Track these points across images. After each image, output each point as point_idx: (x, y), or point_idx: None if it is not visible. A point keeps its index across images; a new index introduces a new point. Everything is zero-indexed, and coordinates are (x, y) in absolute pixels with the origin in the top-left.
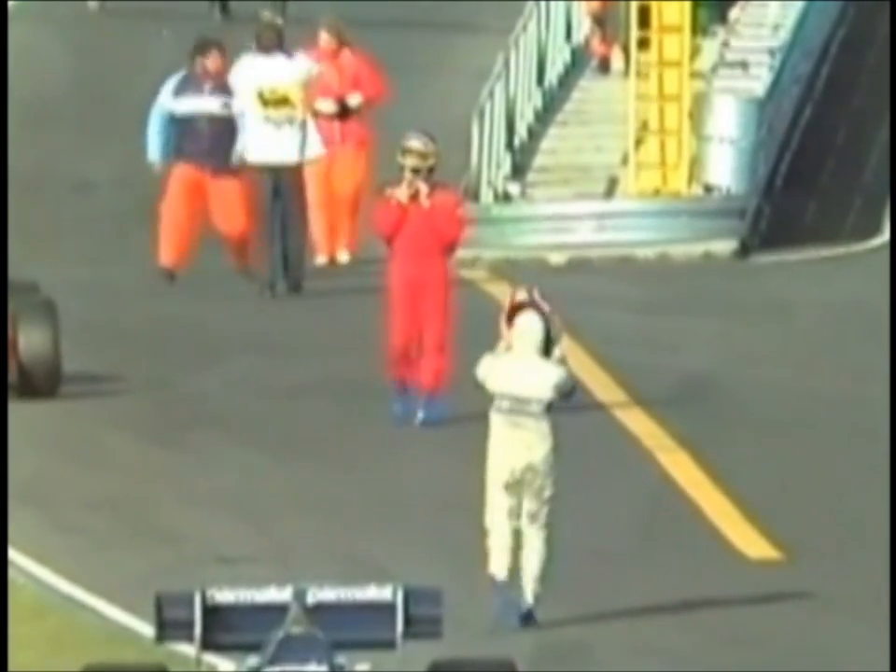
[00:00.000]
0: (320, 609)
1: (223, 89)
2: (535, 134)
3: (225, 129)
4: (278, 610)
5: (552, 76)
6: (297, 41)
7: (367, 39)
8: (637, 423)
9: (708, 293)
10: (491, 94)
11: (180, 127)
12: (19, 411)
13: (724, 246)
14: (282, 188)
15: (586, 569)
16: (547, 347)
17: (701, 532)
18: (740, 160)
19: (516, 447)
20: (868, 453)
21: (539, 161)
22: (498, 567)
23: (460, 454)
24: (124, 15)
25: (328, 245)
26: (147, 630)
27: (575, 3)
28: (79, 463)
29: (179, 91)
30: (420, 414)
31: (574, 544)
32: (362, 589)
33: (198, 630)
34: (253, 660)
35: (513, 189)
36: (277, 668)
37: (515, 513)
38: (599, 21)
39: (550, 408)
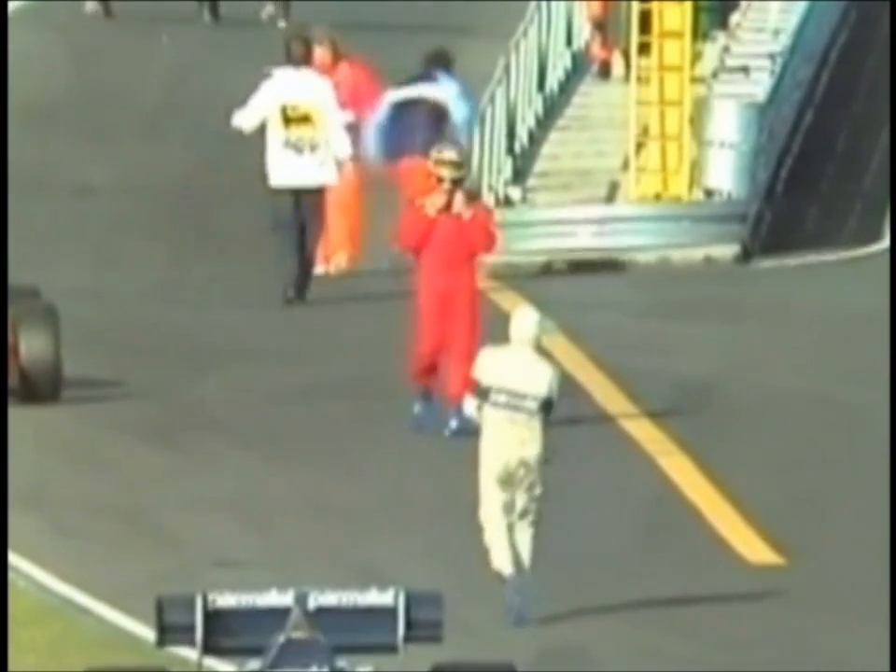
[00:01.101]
0: (321, 613)
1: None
2: (536, 139)
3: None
4: (279, 614)
5: (552, 81)
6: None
7: (367, 43)
8: (638, 427)
9: (709, 298)
10: (492, 99)
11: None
12: (20, 415)
13: (725, 251)
14: (302, 208)
15: (587, 572)
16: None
17: (701, 536)
18: (741, 164)
19: (511, 443)
20: (868, 457)
21: (539, 165)
22: (503, 562)
23: (461, 457)
24: (125, 18)
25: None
26: (148, 634)
27: (576, 7)
28: (80, 468)
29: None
30: (453, 424)
31: (575, 547)
32: (363, 593)
33: (199, 634)
34: (254, 664)
35: (514, 193)
36: None
37: (510, 508)
38: (600, 25)
39: (543, 407)
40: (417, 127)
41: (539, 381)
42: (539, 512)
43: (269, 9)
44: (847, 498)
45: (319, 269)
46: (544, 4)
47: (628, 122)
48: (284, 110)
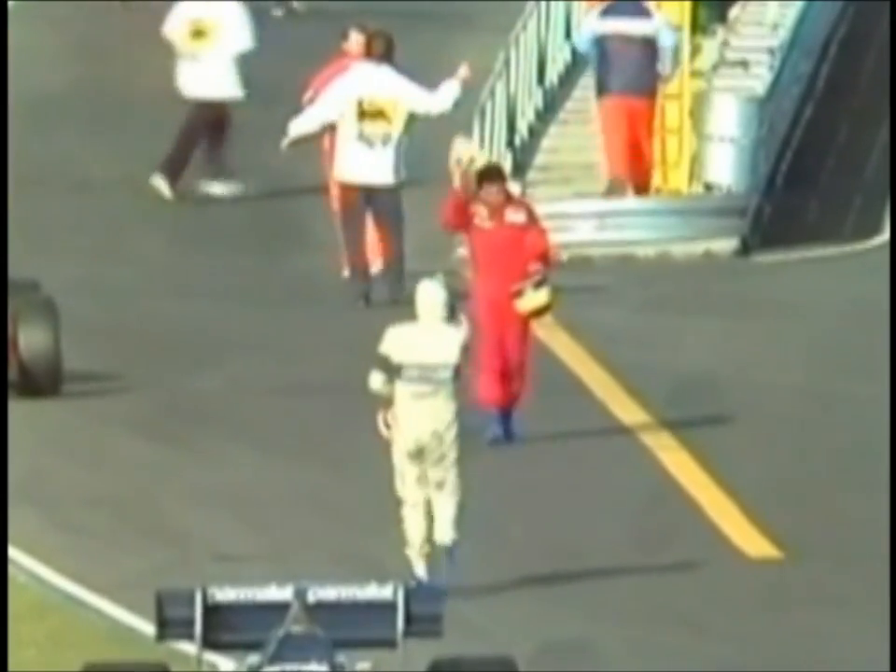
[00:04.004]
0: (321, 608)
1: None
2: (536, 133)
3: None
4: (279, 609)
5: (552, 74)
6: (309, 36)
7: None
8: (638, 421)
9: (709, 292)
10: (492, 93)
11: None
12: (19, 409)
13: (725, 245)
14: (376, 207)
15: (585, 568)
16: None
17: (701, 530)
18: (741, 158)
19: (422, 416)
20: (868, 452)
21: (539, 159)
22: (417, 534)
23: (461, 455)
24: (126, 13)
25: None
26: (147, 628)
27: (575, 1)
28: (80, 462)
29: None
30: (497, 430)
31: (573, 543)
32: (363, 588)
33: (199, 628)
34: (254, 658)
35: (514, 187)
36: (278, 667)
37: (424, 481)
38: None
39: (457, 373)
40: (630, 68)
41: (449, 349)
42: (455, 483)
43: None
44: (848, 493)
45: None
46: None
47: None
48: (360, 104)
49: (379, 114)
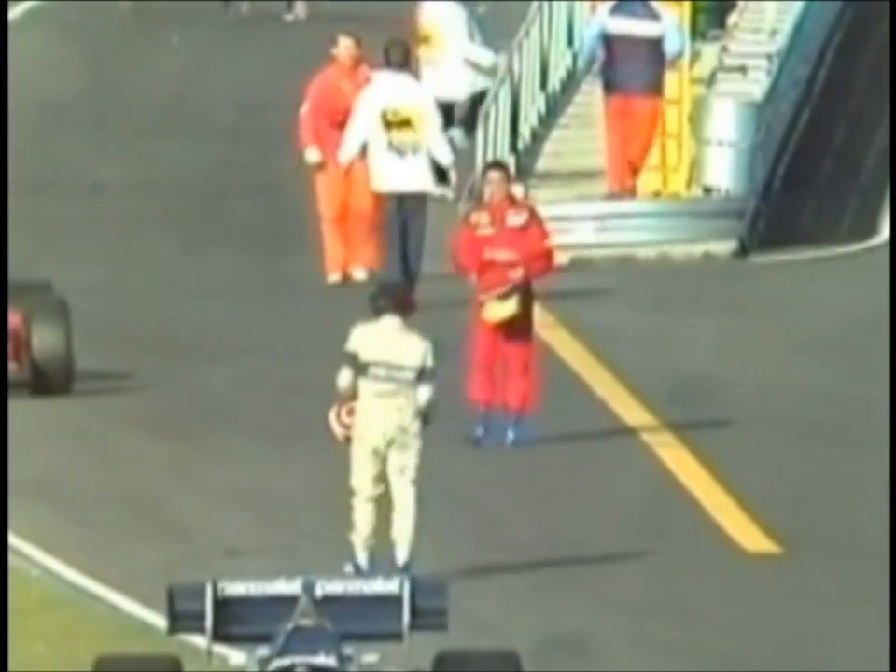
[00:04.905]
0: (328, 602)
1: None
2: (538, 137)
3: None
4: (288, 602)
5: (554, 80)
6: (310, 40)
7: (370, 41)
8: (638, 420)
9: (708, 293)
10: (495, 98)
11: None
12: (33, 408)
13: (723, 247)
14: (406, 214)
15: (587, 563)
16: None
17: (700, 526)
18: (739, 162)
19: (390, 412)
20: (867, 450)
21: (542, 163)
22: (365, 527)
23: (465, 448)
24: (138, 18)
25: (342, 262)
26: (159, 622)
27: (577, 7)
28: (92, 459)
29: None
30: (510, 435)
31: (575, 538)
32: (369, 581)
33: (209, 622)
34: (263, 651)
35: (517, 190)
36: (286, 660)
37: (380, 480)
38: None
39: (419, 377)
40: (635, 68)
41: (415, 352)
42: (417, 470)
43: (296, 10)
44: (845, 489)
45: (334, 277)
46: (546, 4)
47: None
48: (384, 115)
49: (405, 123)
